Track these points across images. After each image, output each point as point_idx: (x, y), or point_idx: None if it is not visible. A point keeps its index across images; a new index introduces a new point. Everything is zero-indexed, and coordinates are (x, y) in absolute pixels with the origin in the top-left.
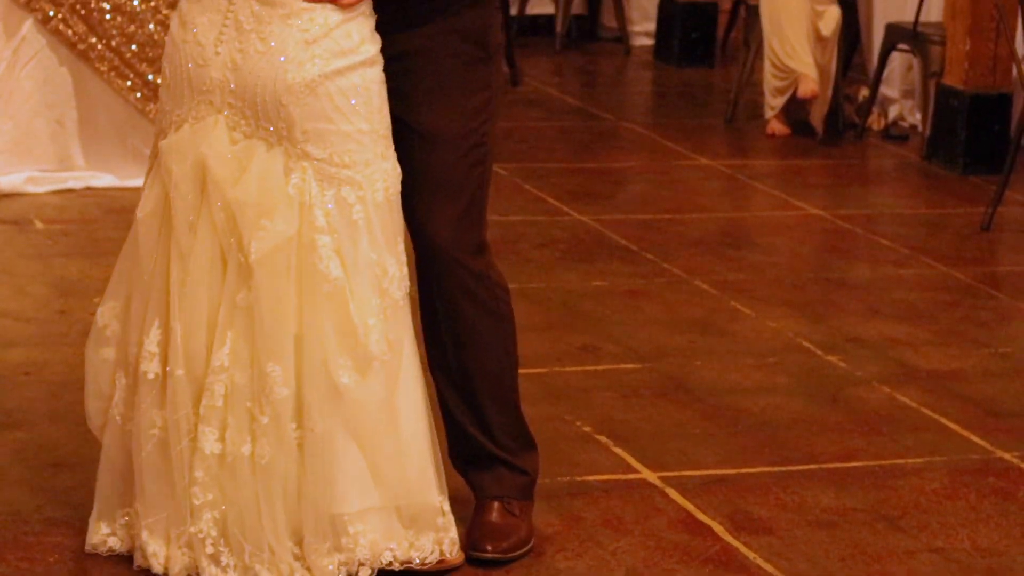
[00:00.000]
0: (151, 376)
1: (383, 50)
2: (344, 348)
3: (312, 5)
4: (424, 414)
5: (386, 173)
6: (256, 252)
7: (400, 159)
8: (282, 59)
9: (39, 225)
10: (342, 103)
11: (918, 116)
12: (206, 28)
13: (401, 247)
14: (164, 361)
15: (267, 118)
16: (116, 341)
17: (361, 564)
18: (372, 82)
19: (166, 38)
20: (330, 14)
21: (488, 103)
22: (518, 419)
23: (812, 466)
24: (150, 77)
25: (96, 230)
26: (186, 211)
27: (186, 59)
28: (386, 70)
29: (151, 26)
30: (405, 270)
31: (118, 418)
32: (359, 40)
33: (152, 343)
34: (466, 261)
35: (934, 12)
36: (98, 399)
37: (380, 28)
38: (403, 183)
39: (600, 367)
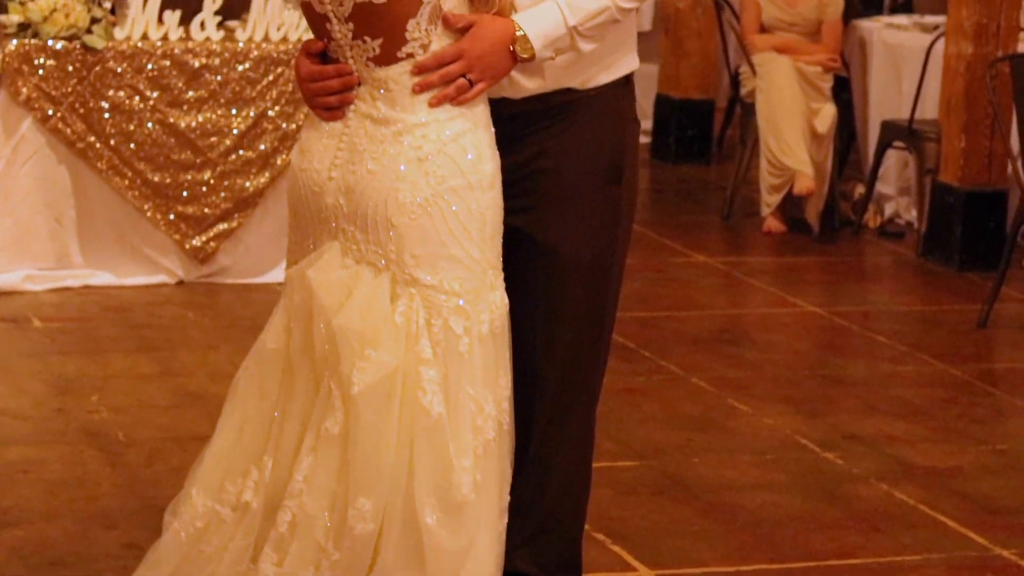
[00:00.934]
0: (238, 504)
1: (515, 165)
2: (433, 487)
3: (426, 120)
4: (495, 556)
5: (493, 305)
6: (359, 383)
7: (520, 277)
8: (395, 178)
9: (37, 323)
10: (455, 226)
11: (914, 213)
12: (322, 154)
13: (502, 381)
14: (255, 492)
15: (377, 241)
16: (219, 461)
17: None
18: (488, 208)
19: (289, 168)
20: (444, 128)
21: (618, 225)
22: (576, 551)
23: (810, 563)
24: (148, 175)
25: (94, 328)
26: (300, 339)
27: (306, 188)
28: (517, 185)
29: (149, 124)
30: (506, 405)
31: (183, 535)
32: (475, 157)
33: (250, 479)
34: (572, 382)
35: (929, 109)
36: (185, 504)
37: (511, 144)
38: (519, 302)
39: (598, 464)
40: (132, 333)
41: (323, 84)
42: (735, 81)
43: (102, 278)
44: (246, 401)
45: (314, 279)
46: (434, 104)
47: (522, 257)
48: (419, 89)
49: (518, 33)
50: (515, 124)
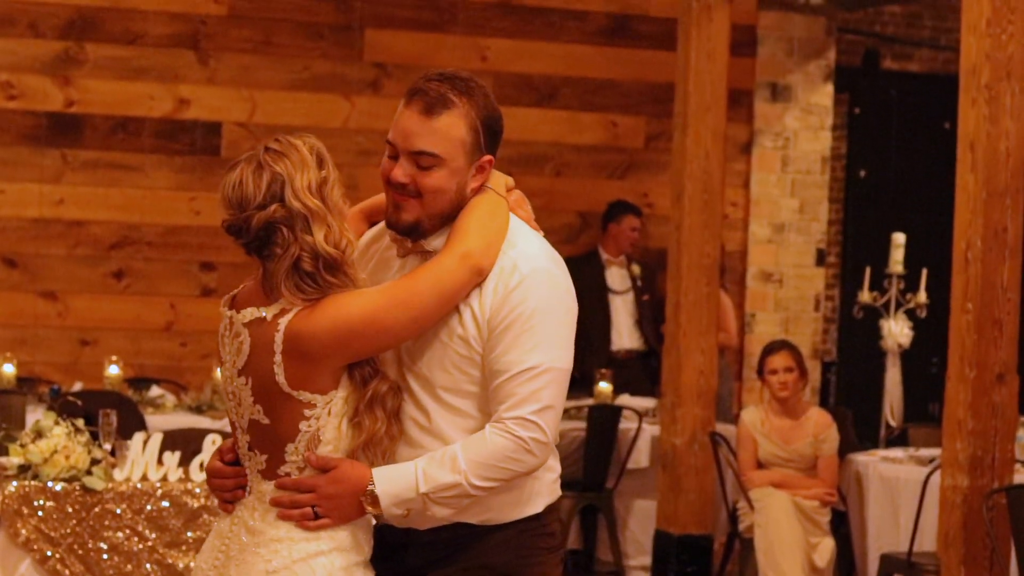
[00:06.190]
0: None
1: None
2: None
3: (282, 537)
4: None
5: None
6: None
7: None
8: None
9: None
10: None
11: None
12: (209, 552)
13: None
14: None
15: None
16: None
17: None
18: None
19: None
20: (296, 547)
21: None
22: None
23: None
24: None
25: None
26: None
27: None
28: None
29: (148, 565)
30: None
31: None
32: None
33: None
34: None
35: (927, 542)
36: None
37: (420, 571)
38: None
39: None
40: None
41: (219, 482)
42: (733, 516)
43: None
44: None
45: None
46: (280, 517)
47: None
48: (271, 502)
49: (368, 488)
50: (424, 551)
